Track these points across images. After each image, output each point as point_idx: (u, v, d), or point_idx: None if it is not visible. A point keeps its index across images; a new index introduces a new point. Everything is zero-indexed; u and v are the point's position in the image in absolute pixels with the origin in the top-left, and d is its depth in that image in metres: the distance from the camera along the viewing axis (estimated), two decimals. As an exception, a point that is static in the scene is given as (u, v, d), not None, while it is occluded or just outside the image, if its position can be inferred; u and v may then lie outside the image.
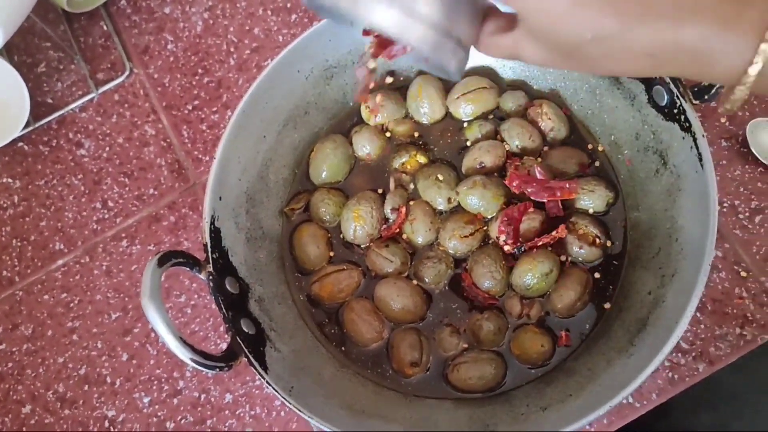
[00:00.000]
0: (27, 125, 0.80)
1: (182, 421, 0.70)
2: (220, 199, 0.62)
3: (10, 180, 0.82)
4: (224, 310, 0.58)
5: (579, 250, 0.63)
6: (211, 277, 0.58)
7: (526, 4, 0.41)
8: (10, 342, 0.75)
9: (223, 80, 0.83)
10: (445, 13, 0.42)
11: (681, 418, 0.75)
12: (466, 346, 0.63)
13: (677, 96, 0.57)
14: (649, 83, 0.60)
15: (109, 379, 0.72)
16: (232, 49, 0.85)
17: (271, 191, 0.69)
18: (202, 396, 0.70)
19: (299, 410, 0.54)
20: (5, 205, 0.81)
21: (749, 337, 0.64)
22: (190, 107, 0.82)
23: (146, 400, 0.71)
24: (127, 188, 0.80)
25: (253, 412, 0.69)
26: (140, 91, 0.84)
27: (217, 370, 0.54)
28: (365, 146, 0.70)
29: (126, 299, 0.75)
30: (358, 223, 0.66)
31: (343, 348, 0.65)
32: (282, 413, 0.68)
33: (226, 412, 0.69)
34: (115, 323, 0.74)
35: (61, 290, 0.76)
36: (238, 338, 0.57)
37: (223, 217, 0.62)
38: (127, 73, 0.84)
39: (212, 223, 0.61)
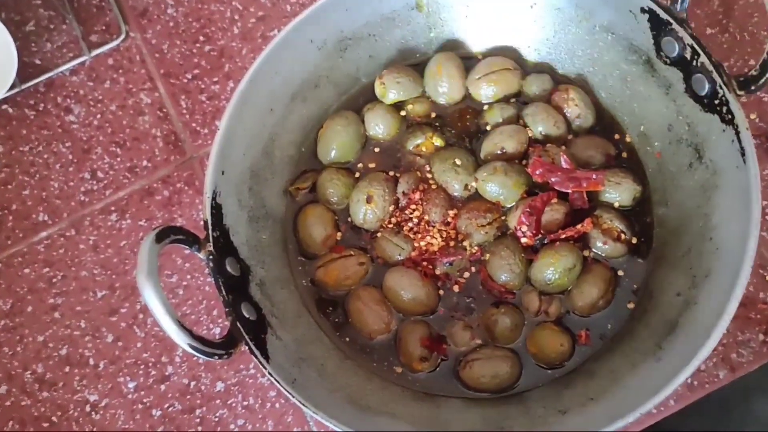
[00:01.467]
0: (12, 87, 0.75)
1: (169, 409, 0.65)
2: (223, 173, 0.58)
3: (-8, 144, 0.77)
4: (224, 292, 0.53)
5: (603, 245, 0.60)
6: (211, 257, 0.54)
7: None
8: (-13, 317, 0.70)
9: (226, 49, 0.78)
10: None
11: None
12: (479, 342, 0.59)
13: (720, 86, 0.53)
14: (688, 72, 0.56)
15: (92, 361, 0.67)
16: (236, 17, 0.79)
17: (276, 168, 0.65)
18: (192, 383, 0.66)
19: (303, 404, 0.50)
20: (-14, 171, 0.76)
21: (773, 344, 0.62)
22: (189, 76, 0.77)
23: (131, 385, 0.66)
24: (118, 159, 0.75)
25: (246, 403, 0.65)
26: (136, 56, 0.79)
27: (216, 357, 0.50)
28: (378, 125, 0.66)
29: (113, 277, 0.70)
30: (369, 206, 0.62)
31: (347, 338, 0.61)
32: (277, 405, 0.64)
33: (217, 401, 0.65)
34: (100, 302, 0.69)
35: (44, 264, 0.71)
36: (238, 324, 0.52)
37: (225, 193, 0.58)
38: (122, 36, 0.79)
39: (213, 198, 0.56)
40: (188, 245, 0.53)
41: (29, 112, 0.77)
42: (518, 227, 0.60)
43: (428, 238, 0.62)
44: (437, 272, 0.61)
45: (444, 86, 0.66)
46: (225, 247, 0.56)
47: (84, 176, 0.74)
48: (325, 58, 0.66)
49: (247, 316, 0.54)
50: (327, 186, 0.64)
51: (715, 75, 0.53)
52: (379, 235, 0.63)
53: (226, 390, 0.65)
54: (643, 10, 0.58)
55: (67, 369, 0.67)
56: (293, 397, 0.51)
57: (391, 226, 0.63)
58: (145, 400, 0.66)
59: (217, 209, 0.56)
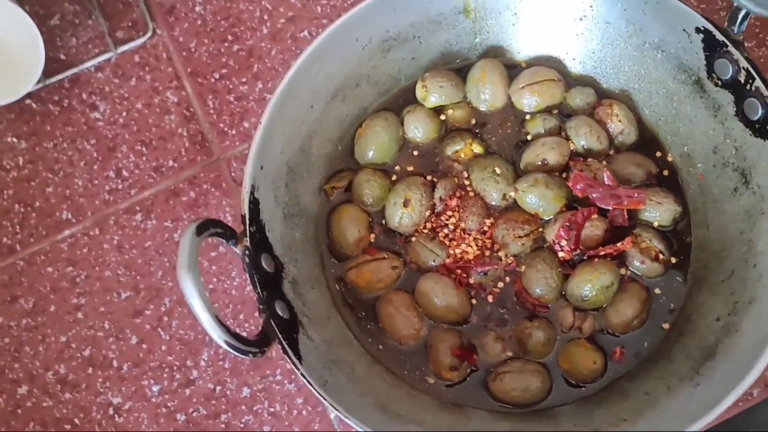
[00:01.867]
0: (36, 82, 0.72)
1: (194, 414, 0.64)
2: (262, 168, 0.57)
3: (15, 140, 0.74)
4: (259, 289, 0.52)
5: (640, 264, 0.59)
6: (247, 252, 0.53)
7: None
8: (8, 315, 0.68)
9: (255, 49, 0.76)
10: None
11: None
12: (510, 354, 0.59)
13: (775, 112, 0.53)
14: (740, 95, 0.56)
15: (115, 363, 0.66)
16: (265, 17, 0.78)
17: (312, 166, 0.64)
18: (218, 388, 0.65)
19: (335, 408, 0.50)
20: (9, 167, 0.73)
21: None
22: (217, 75, 0.75)
23: (155, 388, 0.65)
24: (144, 158, 0.73)
25: (272, 409, 0.64)
26: (163, 54, 0.77)
27: (250, 355, 0.49)
28: (418, 128, 0.65)
29: (138, 278, 0.68)
30: (405, 209, 0.61)
31: (376, 343, 0.60)
32: (304, 412, 0.63)
33: (243, 407, 0.64)
34: (124, 303, 0.68)
35: (67, 263, 0.69)
36: (272, 322, 0.52)
37: (263, 188, 0.57)
38: (149, 33, 0.77)
39: (252, 193, 0.55)
40: (226, 239, 0.53)
41: (53, 108, 0.75)
42: (557, 241, 0.59)
43: (463, 245, 0.61)
44: (471, 281, 0.60)
45: (487, 93, 0.65)
46: (261, 243, 0.56)
47: (109, 175, 0.73)
48: (369, 58, 0.65)
49: (280, 314, 0.53)
50: (363, 186, 0.63)
51: (770, 100, 0.53)
52: (413, 239, 0.62)
53: (252, 396, 0.64)
54: (698, 30, 0.57)
55: (90, 370, 0.66)
56: (325, 400, 0.50)
57: (426, 231, 0.62)
58: (169, 404, 0.65)
59: (254, 204, 0.56)
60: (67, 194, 0.72)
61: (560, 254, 0.59)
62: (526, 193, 0.61)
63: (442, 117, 0.66)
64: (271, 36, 0.77)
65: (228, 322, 0.66)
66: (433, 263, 0.61)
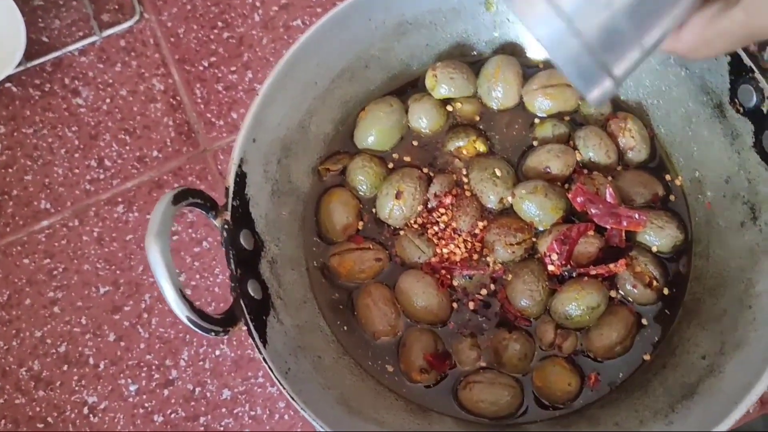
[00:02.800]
0: (18, 64, 0.70)
1: (172, 416, 0.63)
2: (254, 141, 0.55)
3: (-8, 124, 0.72)
4: (233, 266, 0.51)
5: (632, 288, 0.57)
6: (226, 226, 0.52)
7: None
8: (-20, 307, 0.66)
9: (245, 37, 0.74)
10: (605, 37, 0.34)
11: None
12: (484, 364, 0.57)
13: (795, 149, 0.50)
14: (761, 126, 0.53)
15: (92, 361, 0.64)
16: (257, 3, 0.75)
17: (309, 144, 0.62)
18: (197, 389, 0.63)
19: (292, 397, 0.48)
20: (-15, 153, 0.71)
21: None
22: (205, 63, 0.73)
23: (133, 388, 0.63)
24: (127, 147, 0.71)
25: (253, 413, 0.62)
26: (150, 39, 0.74)
27: (213, 334, 0.47)
28: (422, 118, 0.63)
29: (118, 272, 0.66)
30: (397, 201, 0.59)
31: (350, 335, 0.58)
32: (285, 416, 0.62)
33: (223, 409, 0.62)
34: (103, 298, 0.66)
35: (44, 255, 0.67)
36: (242, 301, 0.50)
37: (252, 161, 0.55)
38: (136, 17, 0.74)
39: (240, 165, 0.54)
40: (206, 210, 0.51)
41: (34, 92, 0.73)
42: (548, 253, 0.57)
43: (452, 246, 0.59)
44: (454, 283, 0.58)
45: (499, 91, 0.63)
46: (242, 218, 0.54)
47: (90, 164, 0.70)
48: (381, 39, 0.62)
49: (252, 294, 0.52)
50: (358, 172, 0.61)
51: (791, 136, 0.50)
52: (401, 233, 0.60)
53: (232, 398, 0.63)
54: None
55: (65, 367, 0.64)
56: (284, 388, 0.48)
57: (416, 226, 0.60)
58: (146, 405, 0.63)
59: (241, 177, 0.54)
60: (46, 183, 0.70)
61: (550, 267, 0.57)
62: (523, 199, 0.58)
63: (449, 109, 0.64)
64: (263, 24, 0.74)
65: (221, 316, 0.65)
66: (418, 260, 0.59)
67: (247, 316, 0.50)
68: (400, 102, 0.64)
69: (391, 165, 0.63)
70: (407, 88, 0.65)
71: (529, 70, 0.64)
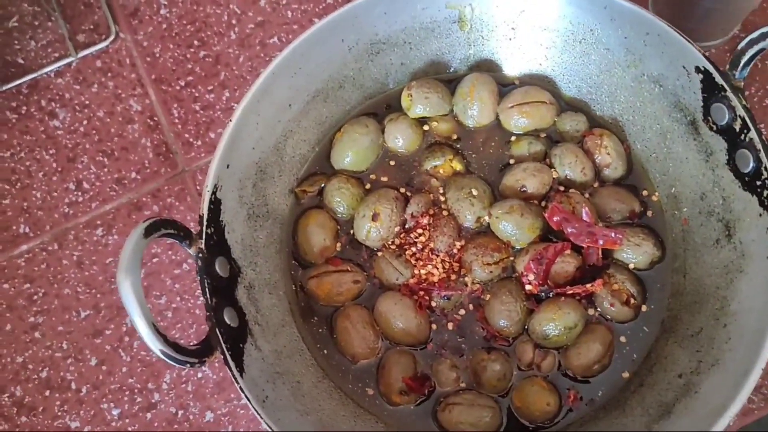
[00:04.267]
0: None
1: None
2: (228, 167, 0.55)
3: (-31, 148, 0.72)
4: (208, 294, 0.51)
5: (609, 306, 0.57)
6: (200, 255, 0.51)
7: None
8: (-39, 334, 0.66)
9: (222, 56, 0.73)
10: None
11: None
12: (464, 385, 0.57)
13: (766, 167, 0.50)
14: (734, 144, 0.53)
15: (74, 386, 0.64)
16: (233, 21, 0.74)
17: (285, 166, 0.62)
18: (180, 412, 0.63)
19: (270, 427, 0.48)
20: (-38, 177, 0.71)
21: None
22: (182, 83, 0.73)
23: (115, 412, 0.63)
24: (105, 169, 0.70)
25: None
26: (126, 59, 0.74)
27: (188, 365, 0.47)
28: (399, 138, 0.63)
29: (98, 296, 0.66)
30: (374, 224, 0.59)
31: (329, 356, 0.58)
32: None
33: None
34: (84, 322, 0.66)
35: (24, 280, 0.67)
36: (218, 330, 0.50)
37: (227, 187, 0.55)
38: (112, 37, 0.74)
39: (214, 193, 0.53)
40: (179, 240, 0.51)
41: (11, 115, 0.72)
42: (525, 273, 0.57)
43: (429, 266, 0.59)
44: (433, 304, 0.58)
45: (474, 109, 0.63)
46: (217, 245, 0.54)
47: (68, 186, 0.70)
48: (355, 59, 0.62)
49: (228, 322, 0.52)
50: (334, 194, 0.61)
51: (762, 155, 0.50)
52: (379, 254, 0.60)
53: (215, 420, 0.62)
54: (698, 69, 0.54)
55: (47, 393, 0.64)
56: (261, 417, 0.48)
57: (393, 247, 0.60)
58: (129, 429, 0.63)
59: (215, 204, 0.54)
60: (24, 207, 0.69)
61: (528, 287, 0.57)
62: (500, 219, 0.58)
63: (426, 128, 0.64)
64: (239, 42, 0.74)
65: (192, 344, 0.64)
66: (396, 281, 0.59)
67: (223, 345, 0.49)
68: (375, 122, 0.63)
69: (368, 185, 0.63)
70: (384, 106, 0.65)
71: (504, 87, 0.64)
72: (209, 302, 0.50)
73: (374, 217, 0.59)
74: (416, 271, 0.59)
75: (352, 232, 0.61)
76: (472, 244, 0.59)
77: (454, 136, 0.64)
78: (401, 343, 0.58)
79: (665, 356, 0.55)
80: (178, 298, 0.66)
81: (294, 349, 0.58)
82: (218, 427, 0.62)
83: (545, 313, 0.56)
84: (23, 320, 0.66)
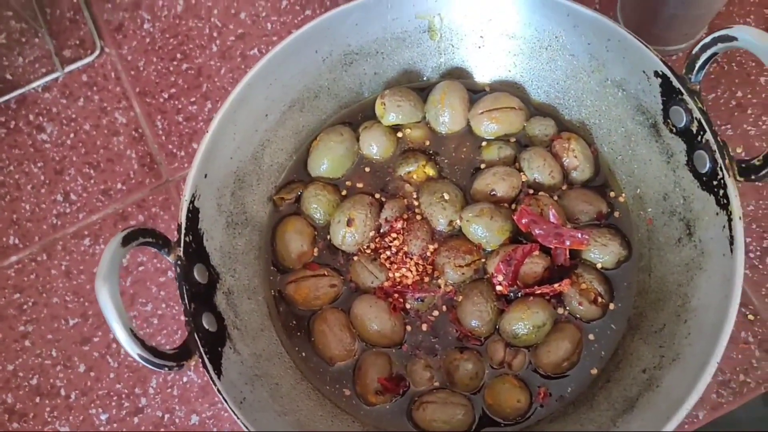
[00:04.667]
0: None
1: None
2: (206, 176, 0.57)
3: (-42, 162, 0.74)
4: (187, 301, 0.52)
5: (578, 305, 0.59)
6: (179, 262, 0.53)
7: None
8: (-47, 343, 0.68)
9: (204, 68, 0.75)
10: None
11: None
12: (437, 384, 0.58)
13: (721, 167, 0.51)
14: (692, 145, 0.54)
15: (63, 392, 0.66)
16: (215, 34, 0.77)
17: (263, 175, 0.64)
18: (166, 416, 0.65)
19: (246, 427, 0.50)
20: (-48, 190, 0.73)
21: (753, 385, 0.61)
22: (165, 95, 0.75)
23: (104, 417, 0.65)
24: (92, 181, 0.72)
25: None
26: (111, 73, 0.76)
27: (167, 369, 0.49)
28: (373, 145, 0.65)
29: (86, 304, 0.68)
30: (349, 229, 0.61)
31: (308, 360, 0.60)
32: None
33: None
34: (72, 330, 0.68)
35: (14, 290, 0.69)
36: (196, 335, 0.52)
37: (205, 196, 0.57)
38: (97, 52, 0.76)
39: (192, 202, 0.55)
40: (158, 248, 0.52)
41: (0, 130, 0.75)
42: (495, 274, 0.59)
43: (404, 269, 0.61)
44: (407, 306, 0.60)
45: (445, 116, 0.64)
46: (196, 253, 0.56)
47: (56, 198, 0.72)
48: (329, 70, 0.64)
49: (207, 327, 0.53)
50: (311, 201, 0.63)
51: (717, 156, 0.51)
52: (355, 258, 0.62)
53: (201, 423, 0.64)
54: (656, 74, 0.55)
55: (37, 399, 0.66)
56: (238, 418, 0.50)
57: (368, 251, 0.62)
58: None
59: (193, 212, 0.56)
60: (13, 219, 0.71)
61: (498, 288, 0.59)
62: (470, 222, 0.60)
63: (400, 135, 0.66)
64: (220, 54, 0.76)
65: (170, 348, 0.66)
66: (371, 284, 0.61)
67: (201, 349, 0.51)
68: (350, 131, 0.65)
69: (344, 192, 0.65)
70: (360, 114, 0.67)
71: (476, 94, 0.66)
72: (188, 308, 0.52)
73: (349, 223, 0.61)
74: (391, 274, 0.61)
75: (328, 237, 0.63)
76: (444, 247, 0.61)
77: (427, 143, 0.66)
78: (377, 345, 0.59)
79: (631, 353, 0.56)
80: (164, 305, 0.68)
81: (273, 352, 0.60)
82: (204, 430, 0.64)
83: (515, 313, 0.57)
84: (13, 329, 0.68)
